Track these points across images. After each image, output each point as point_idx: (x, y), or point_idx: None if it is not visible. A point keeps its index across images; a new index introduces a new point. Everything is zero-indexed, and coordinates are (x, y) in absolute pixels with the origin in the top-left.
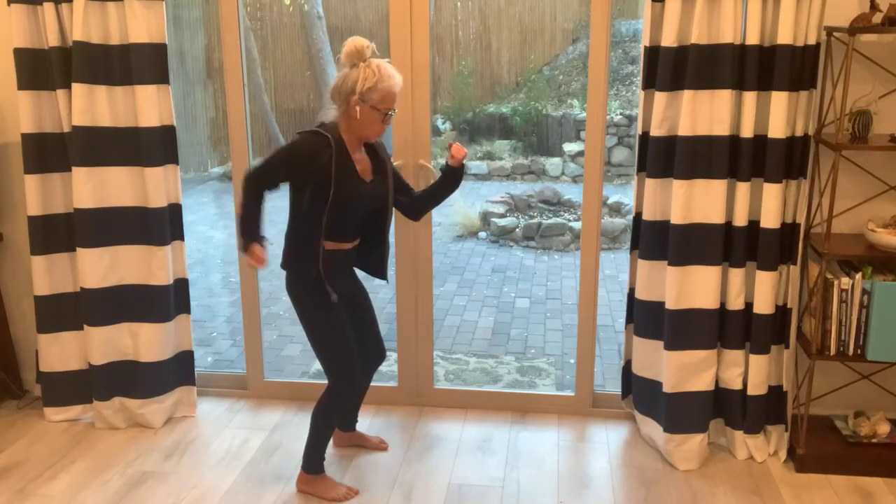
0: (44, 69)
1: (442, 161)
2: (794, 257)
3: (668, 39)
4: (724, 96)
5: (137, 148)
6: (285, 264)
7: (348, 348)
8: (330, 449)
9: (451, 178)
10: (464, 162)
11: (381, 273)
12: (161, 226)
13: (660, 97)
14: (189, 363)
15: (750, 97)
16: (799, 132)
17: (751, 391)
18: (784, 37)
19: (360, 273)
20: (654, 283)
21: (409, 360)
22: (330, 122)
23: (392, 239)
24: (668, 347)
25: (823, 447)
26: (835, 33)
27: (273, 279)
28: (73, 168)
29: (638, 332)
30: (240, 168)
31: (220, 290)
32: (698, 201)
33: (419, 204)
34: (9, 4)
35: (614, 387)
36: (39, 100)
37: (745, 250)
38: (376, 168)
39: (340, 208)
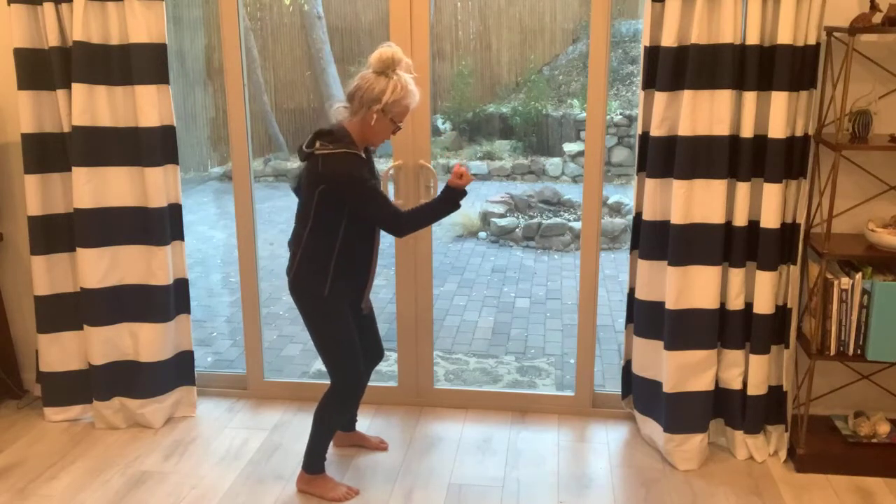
0: (44, 69)
1: (443, 161)
2: (794, 257)
3: (668, 39)
4: (724, 96)
5: (137, 148)
6: (298, 278)
7: (354, 349)
8: (330, 449)
9: (451, 195)
10: (465, 189)
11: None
12: (161, 226)
13: (660, 97)
14: (189, 363)
15: (750, 97)
16: (799, 132)
17: (751, 391)
18: (784, 37)
19: None
20: (654, 283)
21: (409, 360)
22: (340, 131)
23: (391, 239)
24: (668, 347)
25: (823, 447)
26: (835, 33)
27: (273, 279)
28: (73, 168)
29: (638, 332)
30: (240, 168)
31: (220, 290)
32: (698, 201)
33: None
34: (9, 4)
35: (614, 387)
36: (39, 100)
37: (745, 250)
38: (369, 168)
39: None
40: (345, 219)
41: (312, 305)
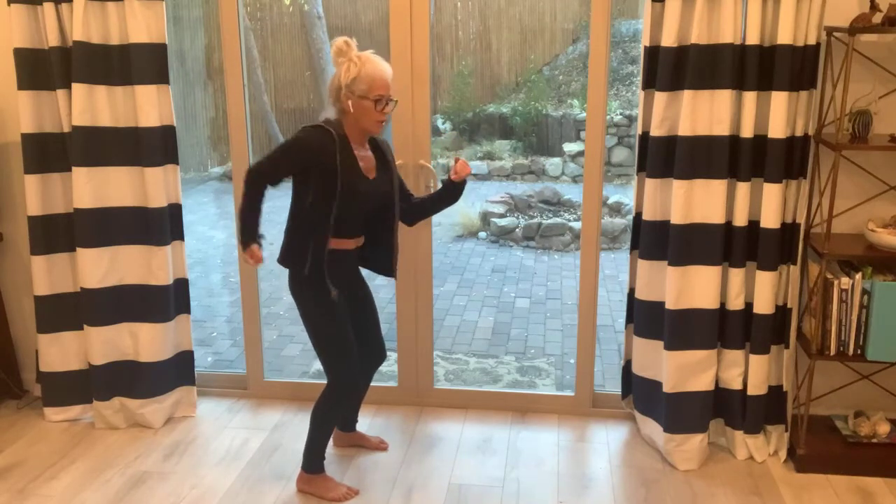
0: (44, 69)
1: (442, 161)
2: (794, 257)
3: (668, 39)
4: (724, 96)
5: (137, 148)
6: (283, 260)
7: (349, 348)
8: (330, 449)
9: (451, 192)
10: (465, 178)
11: (388, 271)
12: (161, 226)
13: (660, 97)
14: (189, 363)
15: (750, 97)
16: (799, 132)
17: (751, 391)
18: (784, 37)
19: (364, 272)
20: (654, 283)
21: (409, 360)
22: (334, 119)
23: None
24: (668, 347)
25: (823, 447)
26: (835, 33)
27: (273, 279)
28: (73, 168)
29: (638, 332)
30: (240, 168)
31: (220, 290)
32: (698, 201)
33: (415, 211)
34: (9, 4)
35: (614, 387)
36: (39, 100)
37: (745, 250)
38: (381, 166)
39: (344, 204)
40: (310, 194)
41: (301, 293)
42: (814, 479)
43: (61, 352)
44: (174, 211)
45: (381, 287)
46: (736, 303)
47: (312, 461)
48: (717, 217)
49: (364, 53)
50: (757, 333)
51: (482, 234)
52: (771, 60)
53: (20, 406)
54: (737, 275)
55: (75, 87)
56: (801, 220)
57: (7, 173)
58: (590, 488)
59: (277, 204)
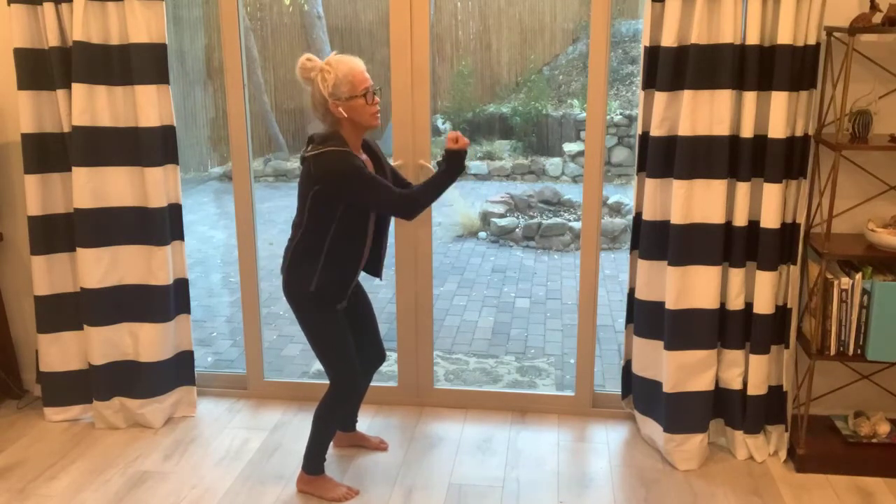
0: (44, 69)
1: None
2: (794, 257)
3: (668, 39)
4: (724, 96)
5: (137, 148)
6: (288, 275)
7: (349, 350)
8: (330, 449)
9: (452, 162)
10: (466, 149)
11: (376, 272)
12: (161, 226)
13: (660, 97)
14: (189, 363)
15: (750, 97)
16: (799, 132)
17: (751, 391)
18: (784, 37)
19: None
20: (654, 283)
21: (409, 360)
22: (329, 133)
23: (392, 238)
24: (668, 347)
25: (823, 447)
26: (835, 33)
27: (273, 279)
28: (73, 168)
29: (638, 332)
30: (240, 168)
31: (220, 290)
32: (698, 201)
33: None
34: (9, 4)
35: (614, 387)
36: (39, 100)
37: (745, 250)
38: (376, 168)
39: (365, 215)
40: (336, 219)
41: (302, 304)
42: (814, 479)
43: (61, 352)
44: (174, 211)
45: (381, 287)
46: (736, 303)
47: (313, 463)
48: (717, 217)
49: (330, 59)
50: (757, 333)
51: (482, 234)
52: (771, 60)
53: (20, 406)
54: (737, 275)
55: (75, 87)
56: (801, 220)
57: (7, 173)
58: (590, 488)
59: (278, 204)
